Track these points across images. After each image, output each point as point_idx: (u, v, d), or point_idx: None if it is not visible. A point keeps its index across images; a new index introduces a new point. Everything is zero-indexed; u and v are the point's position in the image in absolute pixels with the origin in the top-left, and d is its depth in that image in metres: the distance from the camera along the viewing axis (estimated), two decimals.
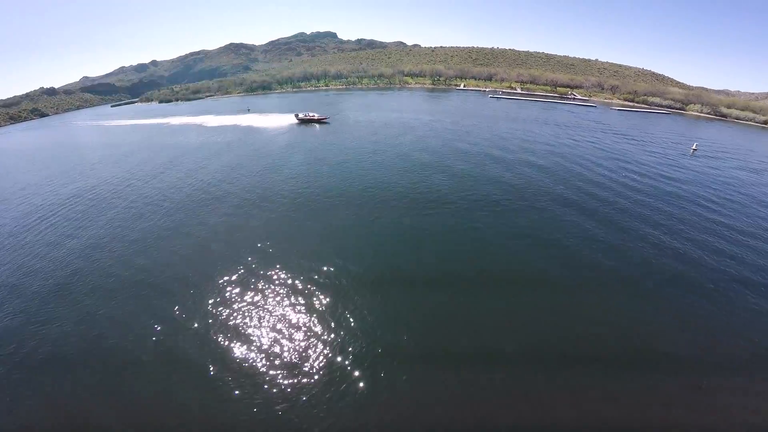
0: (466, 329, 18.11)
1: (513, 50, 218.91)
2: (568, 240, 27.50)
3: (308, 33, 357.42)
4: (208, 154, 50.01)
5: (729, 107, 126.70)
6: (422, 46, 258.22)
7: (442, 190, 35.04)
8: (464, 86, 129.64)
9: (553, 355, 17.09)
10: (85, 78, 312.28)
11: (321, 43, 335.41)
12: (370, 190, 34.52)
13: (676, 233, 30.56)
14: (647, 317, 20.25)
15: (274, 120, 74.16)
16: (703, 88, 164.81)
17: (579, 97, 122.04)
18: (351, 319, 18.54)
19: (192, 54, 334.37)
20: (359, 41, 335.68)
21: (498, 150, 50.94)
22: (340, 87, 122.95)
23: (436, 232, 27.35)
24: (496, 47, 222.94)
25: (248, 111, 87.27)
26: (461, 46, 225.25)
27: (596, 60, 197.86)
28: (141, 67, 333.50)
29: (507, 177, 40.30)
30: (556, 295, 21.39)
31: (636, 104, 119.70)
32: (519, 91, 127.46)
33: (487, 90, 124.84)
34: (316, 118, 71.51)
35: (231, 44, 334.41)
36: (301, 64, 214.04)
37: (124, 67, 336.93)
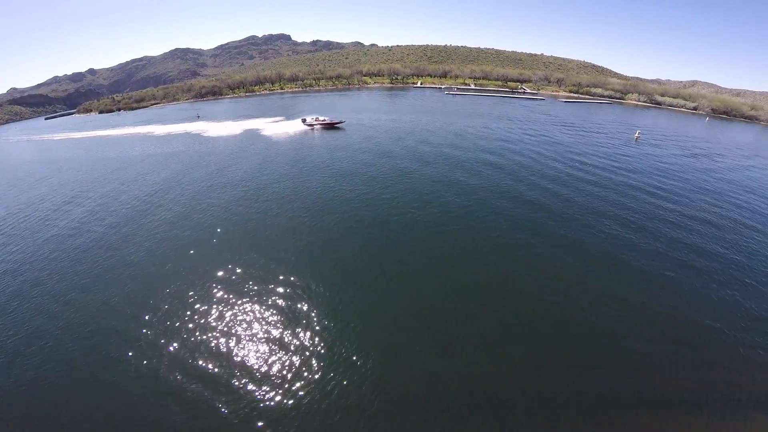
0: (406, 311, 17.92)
1: (465, 47, 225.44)
2: (524, 236, 28.26)
3: (260, 36, 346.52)
4: (153, 166, 46.37)
5: (662, 95, 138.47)
6: (379, 45, 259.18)
7: (398, 197, 34.82)
8: (421, 84, 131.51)
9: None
10: (14, 89, 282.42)
11: (274, 45, 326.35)
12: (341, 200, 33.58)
13: (630, 223, 32.50)
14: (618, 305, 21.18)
15: (280, 127, 66.17)
16: (638, 78, 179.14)
17: (528, 90, 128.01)
18: (317, 320, 17.65)
19: (134, 61, 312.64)
20: (315, 42, 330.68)
21: (457, 150, 51.66)
22: (296, 89, 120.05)
23: (395, 239, 27.00)
24: (449, 44, 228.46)
25: (198, 118, 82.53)
26: (416, 44, 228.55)
27: (542, 54, 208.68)
28: (77, 76, 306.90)
29: (463, 177, 40.90)
30: (511, 294, 21.75)
31: (580, 95, 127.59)
32: (473, 87, 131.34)
33: (443, 87, 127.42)
34: (327, 122, 63.72)
35: (177, 49, 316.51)
36: (254, 68, 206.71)
37: (57, 76, 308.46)
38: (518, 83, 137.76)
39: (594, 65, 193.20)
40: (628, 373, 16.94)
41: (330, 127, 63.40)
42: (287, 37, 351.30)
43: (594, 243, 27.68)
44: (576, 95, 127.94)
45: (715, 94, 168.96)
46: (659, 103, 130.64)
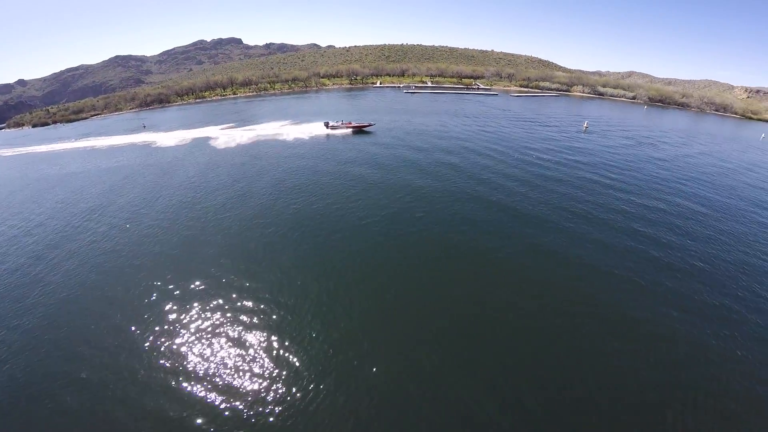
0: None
1: (421, 45, 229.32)
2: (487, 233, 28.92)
3: (209, 40, 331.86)
4: (95, 183, 42.62)
5: (604, 86, 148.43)
6: (337, 46, 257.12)
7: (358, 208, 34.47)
8: (380, 83, 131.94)
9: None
10: None
11: (225, 50, 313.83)
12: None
13: (589, 212, 34.34)
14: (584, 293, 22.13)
15: (300, 130, 61.89)
16: (581, 71, 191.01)
17: (482, 86, 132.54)
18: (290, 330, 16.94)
19: (69, 70, 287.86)
20: (268, 46, 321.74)
21: (414, 151, 52.05)
22: (251, 94, 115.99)
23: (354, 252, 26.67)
24: (405, 43, 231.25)
25: (144, 128, 77.27)
26: (374, 44, 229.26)
27: (492, 51, 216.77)
28: (5, 88, 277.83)
29: (423, 180, 41.29)
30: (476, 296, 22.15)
31: (530, 89, 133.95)
32: (430, 84, 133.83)
33: (402, 86, 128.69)
34: (354, 125, 60.43)
35: (117, 57, 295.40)
36: (203, 73, 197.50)
37: None
38: (472, 79, 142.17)
39: (540, 60, 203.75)
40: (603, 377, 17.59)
41: (359, 130, 60.59)
42: (238, 41, 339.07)
43: (559, 240, 28.51)
44: (526, 89, 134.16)
45: (650, 83, 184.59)
46: (602, 94, 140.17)
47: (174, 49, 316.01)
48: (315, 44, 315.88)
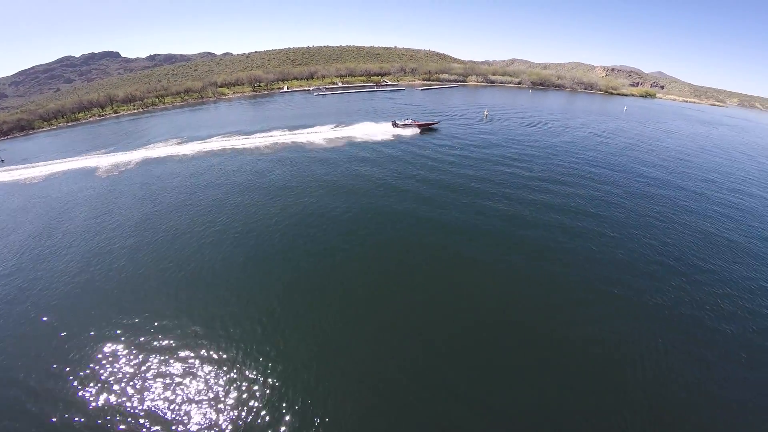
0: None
1: (328, 47, 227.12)
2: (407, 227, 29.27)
3: (78, 56, 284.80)
4: None
5: (494, 75, 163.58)
6: (234, 53, 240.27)
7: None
8: (288, 88, 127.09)
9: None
10: None
11: (99, 64, 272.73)
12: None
13: (502, 197, 36.93)
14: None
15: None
16: (473, 61, 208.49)
17: (389, 83, 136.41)
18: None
19: None
20: (153, 57, 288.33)
21: (324, 156, 50.87)
22: (136, 111, 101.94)
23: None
24: (312, 45, 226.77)
25: (2, 162, 62.34)
26: (278, 48, 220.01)
27: (395, 47, 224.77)
28: None
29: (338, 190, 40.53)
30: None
31: (432, 82, 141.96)
32: (340, 85, 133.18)
33: (312, 89, 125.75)
34: (422, 123, 62.56)
35: None
36: (75, 93, 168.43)
37: None
38: (380, 76, 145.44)
39: (437, 53, 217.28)
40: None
41: (427, 128, 62.72)
42: (116, 55, 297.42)
43: (484, 227, 30.43)
44: (429, 82, 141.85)
45: (530, 68, 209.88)
46: (493, 82, 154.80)
47: (33, 68, 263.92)
48: (209, 52, 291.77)
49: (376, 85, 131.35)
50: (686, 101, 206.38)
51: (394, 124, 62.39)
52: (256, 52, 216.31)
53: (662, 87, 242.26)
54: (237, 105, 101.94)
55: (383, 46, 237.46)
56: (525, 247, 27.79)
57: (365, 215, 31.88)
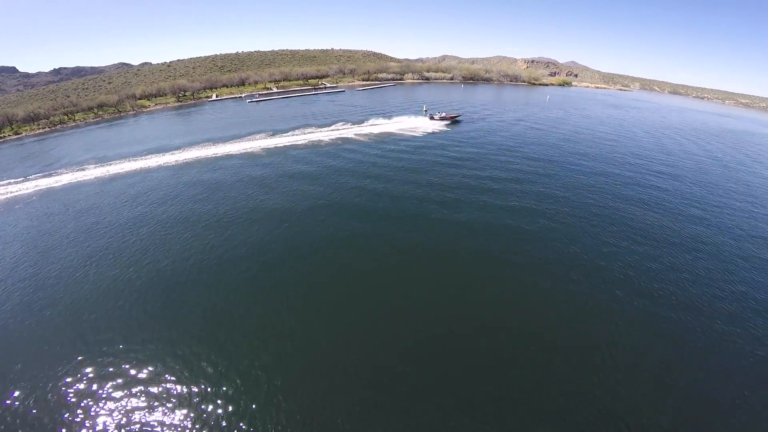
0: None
1: (259, 51, 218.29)
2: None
3: None
4: None
5: (428, 71, 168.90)
6: (154, 63, 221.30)
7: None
8: (217, 96, 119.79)
9: None
10: None
11: None
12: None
13: (445, 189, 37.78)
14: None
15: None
16: (408, 59, 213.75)
17: (329, 85, 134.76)
18: None
19: None
20: (58, 71, 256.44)
21: (258, 169, 48.58)
22: (41, 131, 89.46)
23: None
24: (241, 51, 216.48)
25: None
26: (203, 55, 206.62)
27: (332, 49, 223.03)
28: None
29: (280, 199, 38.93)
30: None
31: (372, 82, 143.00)
32: (276, 90, 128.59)
33: (244, 95, 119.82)
34: (450, 116, 73.64)
35: None
36: None
37: None
38: (318, 79, 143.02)
39: (374, 53, 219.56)
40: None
41: (453, 120, 73.23)
42: (12, 69, 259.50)
43: (426, 228, 30.92)
44: (368, 82, 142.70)
45: (460, 64, 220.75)
46: (428, 78, 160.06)
47: None
48: (125, 63, 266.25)
49: (315, 88, 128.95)
50: (598, 87, 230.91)
51: (431, 117, 73.66)
52: (179, 60, 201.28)
53: (576, 75, 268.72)
54: (161, 117, 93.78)
55: (320, 48, 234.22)
56: (472, 250, 28.93)
57: (312, 232, 30.92)
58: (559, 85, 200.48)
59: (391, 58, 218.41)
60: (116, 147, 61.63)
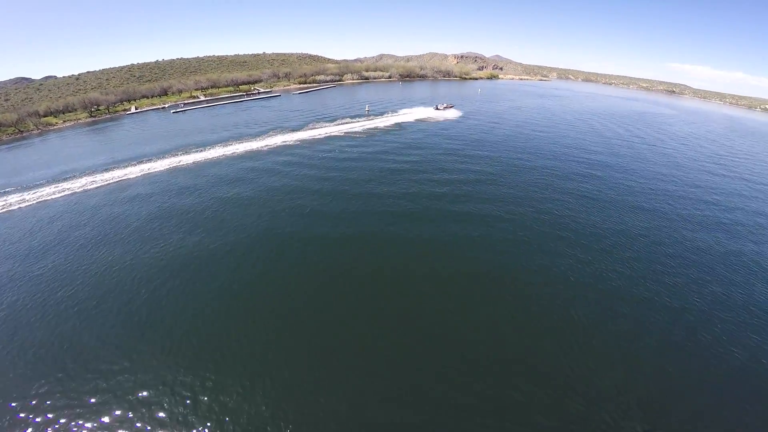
0: None
1: (182, 59, 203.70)
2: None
3: None
4: None
5: (367, 71, 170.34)
6: (59, 76, 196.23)
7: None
8: (137, 108, 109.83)
9: None
10: None
11: None
12: None
13: (394, 184, 38.27)
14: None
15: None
16: (346, 60, 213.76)
17: (262, 90, 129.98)
18: None
19: None
20: None
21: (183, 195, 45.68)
22: None
23: None
24: (162, 60, 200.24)
25: None
26: (118, 66, 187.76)
27: (264, 53, 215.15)
28: None
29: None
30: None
31: (309, 84, 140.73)
32: (203, 98, 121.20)
33: (168, 105, 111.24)
34: (448, 106, 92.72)
35: None
36: None
37: None
38: (250, 85, 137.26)
39: (311, 55, 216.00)
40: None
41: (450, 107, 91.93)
42: None
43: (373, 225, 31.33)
44: (306, 85, 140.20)
45: (396, 62, 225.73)
46: (367, 78, 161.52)
47: None
48: (24, 78, 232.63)
49: (247, 95, 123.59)
50: (522, 79, 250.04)
51: (437, 108, 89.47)
52: (89, 72, 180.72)
53: (501, 68, 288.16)
54: (72, 135, 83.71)
55: (250, 53, 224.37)
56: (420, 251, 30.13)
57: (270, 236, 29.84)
58: (488, 78, 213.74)
59: (329, 59, 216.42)
60: (14, 174, 53.86)
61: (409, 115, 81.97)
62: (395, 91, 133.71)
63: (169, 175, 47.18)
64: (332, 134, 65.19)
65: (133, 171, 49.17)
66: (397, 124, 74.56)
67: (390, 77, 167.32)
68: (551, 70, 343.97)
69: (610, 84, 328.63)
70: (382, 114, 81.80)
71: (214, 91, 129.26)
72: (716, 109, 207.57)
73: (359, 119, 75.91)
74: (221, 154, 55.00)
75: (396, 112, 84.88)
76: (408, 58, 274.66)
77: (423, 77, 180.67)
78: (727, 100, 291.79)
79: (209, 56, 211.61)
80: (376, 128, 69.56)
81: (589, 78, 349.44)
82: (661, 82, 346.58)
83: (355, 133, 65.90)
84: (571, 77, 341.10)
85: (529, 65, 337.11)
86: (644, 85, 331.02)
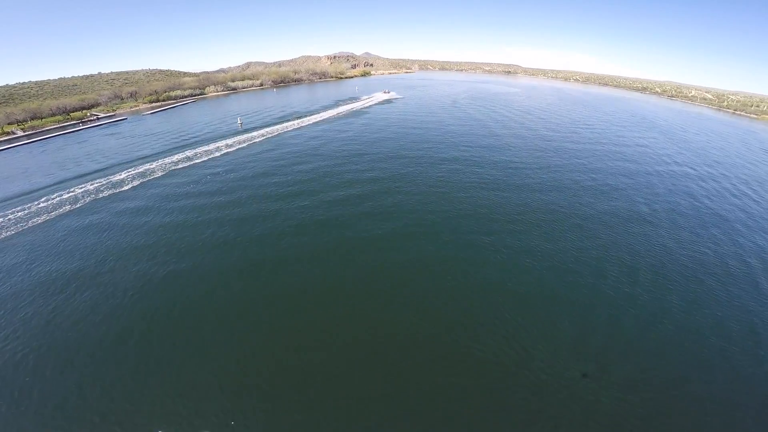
0: None
1: None
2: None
3: None
4: None
5: (233, 81, 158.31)
6: None
7: None
8: None
9: None
10: None
11: None
12: None
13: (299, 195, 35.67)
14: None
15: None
16: (206, 72, 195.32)
17: (103, 115, 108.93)
18: None
19: None
20: None
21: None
22: None
23: None
24: None
25: None
26: None
27: (99, 73, 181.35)
28: None
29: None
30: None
31: (163, 102, 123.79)
32: (21, 133, 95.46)
33: None
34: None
35: None
36: None
37: None
38: (85, 111, 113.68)
39: (161, 70, 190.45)
40: None
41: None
42: None
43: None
44: (159, 103, 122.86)
45: (267, 69, 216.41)
46: (235, 89, 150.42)
47: None
48: None
49: (82, 122, 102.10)
50: (391, 73, 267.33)
51: (386, 92, 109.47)
52: None
53: (372, 65, 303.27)
54: None
55: (81, 74, 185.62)
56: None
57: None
58: (362, 75, 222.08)
59: (186, 73, 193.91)
60: None
61: (290, 124, 79.64)
62: (270, 99, 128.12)
63: None
64: (205, 154, 58.83)
65: None
66: (280, 135, 72.10)
67: (261, 85, 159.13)
68: (413, 62, 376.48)
69: (461, 71, 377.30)
70: (261, 127, 77.41)
71: (36, 123, 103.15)
72: (544, 83, 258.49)
73: (231, 137, 70.59)
74: (47, 203, 44.06)
75: (283, 119, 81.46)
76: (279, 64, 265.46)
77: (298, 81, 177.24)
78: (549, 75, 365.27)
79: (23, 83, 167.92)
80: (254, 142, 65.75)
81: (444, 66, 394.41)
82: (499, 64, 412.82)
83: (231, 150, 61.15)
84: (430, 67, 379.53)
85: (395, 59, 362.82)
86: (487, 68, 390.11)
